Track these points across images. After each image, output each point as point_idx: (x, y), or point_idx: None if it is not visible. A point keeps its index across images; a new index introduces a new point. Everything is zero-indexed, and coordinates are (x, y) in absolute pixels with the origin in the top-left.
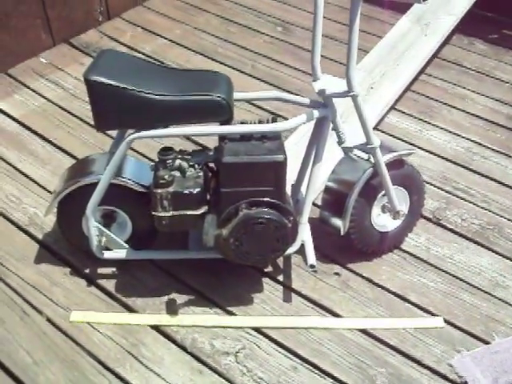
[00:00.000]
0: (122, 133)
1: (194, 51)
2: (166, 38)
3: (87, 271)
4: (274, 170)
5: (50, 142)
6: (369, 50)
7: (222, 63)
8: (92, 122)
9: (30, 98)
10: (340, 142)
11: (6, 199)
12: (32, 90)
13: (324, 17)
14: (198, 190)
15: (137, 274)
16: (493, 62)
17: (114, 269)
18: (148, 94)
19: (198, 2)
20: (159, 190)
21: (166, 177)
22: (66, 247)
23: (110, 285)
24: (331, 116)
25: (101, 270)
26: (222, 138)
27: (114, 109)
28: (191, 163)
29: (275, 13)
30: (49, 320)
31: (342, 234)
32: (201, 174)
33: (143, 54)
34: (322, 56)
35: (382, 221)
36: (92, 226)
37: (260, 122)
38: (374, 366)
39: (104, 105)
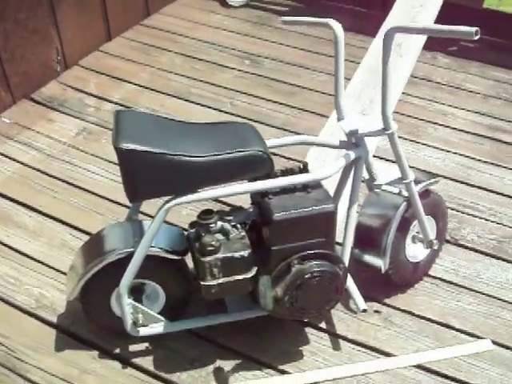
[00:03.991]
0: None
1: (166, 94)
2: (133, 83)
3: (118, 351)
4: (325, 220)
5: (36, 210)
6: (347, 76)
7: (198, 104)
8: (78, 184)
9: (2, 163)
10: (372, 180)
11: (3, 281)
12: (1, 154)
13: (288, 45)
14: (248, 251)
15: (174, 346)
16: (459, 75)
17: (147, 344)
18: (187, 156)
19: (155, 42)
20: (208, 258)
21: (213, 243)
22: (87, 328)
23: (147, 362)
24: (364, 155)
25: (133, 348)
26: (263, 193)
27: (151, 177)
28: (232, 224)
29: (238, 46)
30: None
31: (383, 271)
32: (244, 234)
33: (113, 103)
34: (297, 86)
35: (414, 251)
36: (126, 304)
37: (290, 170)
38: None
39: (139, 173)
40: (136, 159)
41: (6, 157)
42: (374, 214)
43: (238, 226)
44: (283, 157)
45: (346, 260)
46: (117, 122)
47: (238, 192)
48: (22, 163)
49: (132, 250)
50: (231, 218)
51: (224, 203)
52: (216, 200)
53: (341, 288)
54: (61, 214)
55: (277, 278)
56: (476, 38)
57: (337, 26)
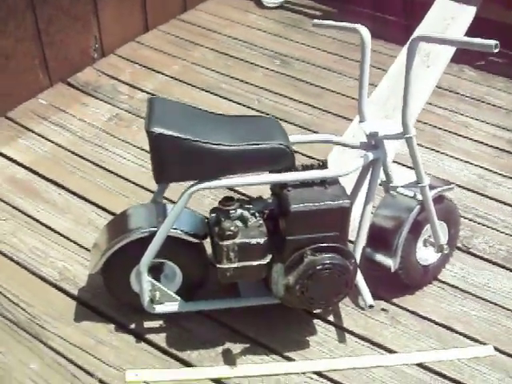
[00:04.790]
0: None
1: (197, 87)
2: (165, 75)
3: (133, 326)
4: (340, 215)
5: (65, 188)
6: (374, 83)
7: (226, 98)
8: (107, 167)
9: (37, 142)
10: (388, 181)
11: (30, 253)
12: (37, 134)
13: (318, 48)
14: (264, 239)
15: (187, 326)
16: (484, 88)
17: (162, 322)
18: (213, 144)
19: (190, 37)
20: (226, 242)
21: (232, 228)
22: (105, 302)
23: (160, 339)
24: (382, 157)
25: (148, 324)
26: (282, 185)
27: (178, 161)
28: (252, 212)
29: (269, 45)
30: (102, 382)
31: (392, 271)
32: (261, 222)
33: (145, 92)
34: (322, 88)
35: (425, 255)
36: (145, 281)
37: (310, 166)
38: None
39: (167, 157)
40: (165, 143)
41: (41, 136)
42: (388, 215)
43: (257, 214)
44: (305, 155)
45: (358, 256)
46: (150, 108)
47: (258, 182)
48: (55, 143)
49: (155, 229)
50: (251, 206)
51: (243, 194)
52: (234, 190)
53: (350, 282)
54: (88, 193)
55: (290, 267)
56: (495, 51)
57: (364, 32)
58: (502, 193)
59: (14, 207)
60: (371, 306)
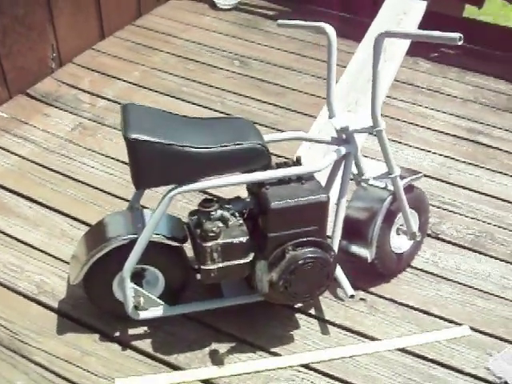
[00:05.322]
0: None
1: (158, 92)
2: (126, 81)
3: (118, 334)
4: (318, 209)
5: (35, 201)
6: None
7: (189, 102)
8: (76, 177)
9: (0, 156)
10: (360, 174)
11: (5, 269)
12: (0, 147)
13: (277, 48)
14: (246, 238)
15: (171, 330)
16: (440, 79)
17: (146, 328)
18: (192, 147)
19: (148, 42)
20: (209, 244)
21: (215, 229)
22: (87, 312)
23: (145, 345)
24: (354, 151)
25: (132, 331)
26: (260, 184)
27: (157, 165)
28: (231, 212)
29: (227, 47)
30: None
31: (369, 261)
32: (241, 221)
33: (107, 100)
34: (283, 86)
35: (398, 243)
36: (128, 288)
37: (285, 164)
38: (422, 382)
39: (146, 162)
40: (144, 149)
41: (4, 150)
42: (361, 207)
43: (236, 214)
44: (275, 154)
45: (336, 249)
46: (124, 115)
47: (237, 182)
48: (20, 156)
49: (135, 236)
50: (230, 206)
51: (215, 196)
52: (205, 192)
53: (331, 274)
54: (60, 205)
55: (272, 264)
56: (460, 43)
57: (330, 30)
58: (465, 179)
59: None
60: (352, 296)
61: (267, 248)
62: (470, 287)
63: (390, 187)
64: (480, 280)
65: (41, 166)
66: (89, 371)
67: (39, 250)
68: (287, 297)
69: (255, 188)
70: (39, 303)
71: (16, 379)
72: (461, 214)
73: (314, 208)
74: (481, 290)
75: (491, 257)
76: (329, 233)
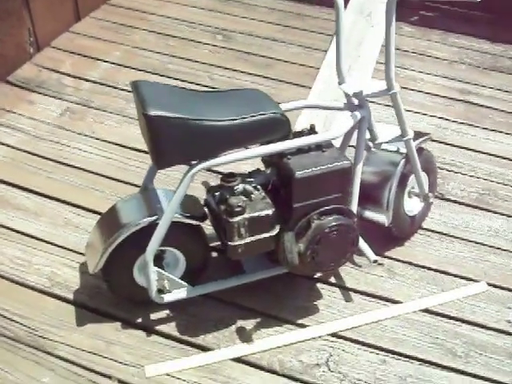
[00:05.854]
0: (154, 167)
1: (144, 71)
2: (108, 62)
3: (140, 321)
4: (342, 176)
5: (33, 191)
6: (320, 48)
7: (177, 79)
8: (71, 163)
9: None
10: (374, 139)
11: (12, 264)
12: None
13: (259, 20)
14: (272, 210)
15: (193, 311)
16: (424, 42)
17: (168, 311)
18: (214, 121)
19: (125, 21)
20: (236, 219)
21: (240, 204)
22: (104, 301)
23: (170, 329)
24: (367, 116)
25: (154, 316)
26: (279, 154)
27: (180, 142)
28: (253, 185)
29: (208, 22)
30: (121, 382)
31: (386, 225)
32: (264, 194)
33: (91, 82)
34: (271, 58)
35: (410, 206)
36: (152, 272)
37: (300, 133)
38: (448, 340)
39: (169, 140)
40: (167, 125)
41: None
42: (375, 171)
43: (258, 187)
44: None
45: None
46: (137, 92)
47: (259, 154)
48: (10, 146)
49: (154, 218)
50: (252, 179)
51: (219, 173)
52: (209, 170)
53: (356, 240)
54: (59, 193)
55: (298, 234)
56: (478, 0)
57: None
58: (462, 139)
59: None
60: (375, 261)
61: (292, 219)
62: (481, 244)
63: (402, 150)
64: (489, 236)
65: (33, 154)
66: (116, 361)
67: (45, 241)
68: (313, 266)
69: (275, 159)
70: (54, 296)
71: (42, 376)
72: (462, 174)
73: (337, 175)
74: (492, 246)
75: (497, 213)
76: None
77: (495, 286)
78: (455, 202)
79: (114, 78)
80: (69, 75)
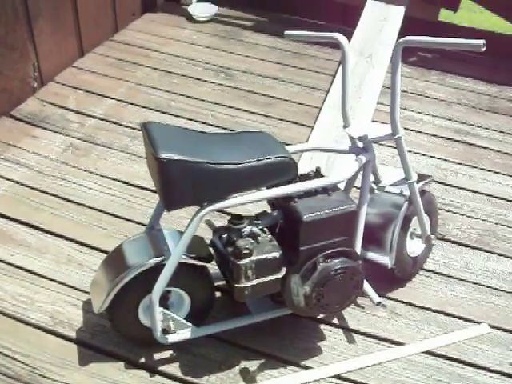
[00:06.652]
0: (161, 206)
1: (147, 108)
2: (112, 98)
3: (143, 360)
4: (348, 219)
5: (36, 227)
6: (321, 88)
7: (179, 116)
8: (75, 199)
9: None
10: (378, 182)
11: (14, 301)
12: None
13: (260, 58)
14: (279, 252)
15: (197, 351)
16: (422, 83)
17: (171, 351)
18: (224, 164)
19: (129, 57)
20: (244, 261)
21: (248, 246)
22: (107, 340)
23: (174, 369)
24: (372, 159)
25: (157, 356)
26: (287, 197)
27: (190, 185)
28: (260, 227)
29: (210, 59)
30: None
31: (389, 267)
32: (270, 236)
33: (96, 118)
34: (272, 97)
35: (412, 247)
36: (157, 312)
37: (306, 175)
38: (452, 382)
39: (179, 182)
40: (177, 168)
41: None
42: (378, 213)
43: (265, 229)
44: None
45: None
46: (148, 135)
47: (267, 197)
48: (13, 181)
49: (160, 259)
50: (259, 222)
51: (228, 214)
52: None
53: (361, 283)
54: (62, 229)
55: (303, 277)
56: (483, 49)
57: (343, 40)
58: (461, 180)
59: None
60: (379, 303)
61: (299, 261)
62: (482, 285)
63: (405, 192)
64: (490, 278)
65: (36, 190)
66: None
67: (47, 278)
68: (319, 309)
69: (281, 201)
70: (56, 334)
71: None
72: (461, 215)
73: (343, 218)
74: (492, 288)
75: (496, 254)
76: None
77: (498, 328)
78: (455, 242)
79: (119, 114)
80: (73, 111)
